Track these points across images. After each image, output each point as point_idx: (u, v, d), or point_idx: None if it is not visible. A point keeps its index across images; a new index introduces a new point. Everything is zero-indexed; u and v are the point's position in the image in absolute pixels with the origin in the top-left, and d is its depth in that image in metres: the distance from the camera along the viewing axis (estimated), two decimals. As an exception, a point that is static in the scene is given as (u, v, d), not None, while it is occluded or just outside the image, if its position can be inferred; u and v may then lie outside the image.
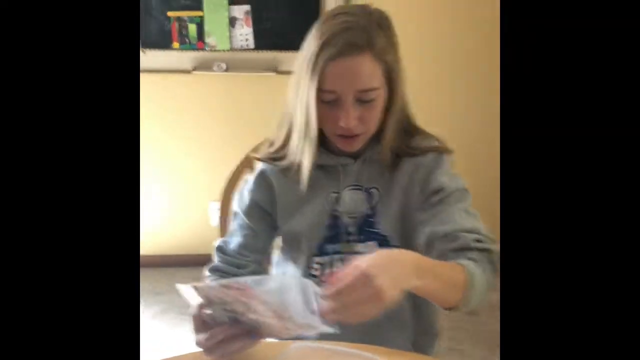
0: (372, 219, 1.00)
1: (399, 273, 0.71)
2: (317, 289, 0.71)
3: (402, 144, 0.99)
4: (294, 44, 2.42)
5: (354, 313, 0.69)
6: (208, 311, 0.75)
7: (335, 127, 0.94)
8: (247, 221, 1.03)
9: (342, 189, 1.00)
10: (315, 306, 0.70)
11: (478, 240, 0.89)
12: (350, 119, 0.91)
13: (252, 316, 0.72)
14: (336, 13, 0.94)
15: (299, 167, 0.99)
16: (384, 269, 0.69)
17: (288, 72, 2.91)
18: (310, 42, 0.92)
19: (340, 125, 0.92)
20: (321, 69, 0.89)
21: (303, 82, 0.92)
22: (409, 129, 1.01)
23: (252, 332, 0.75)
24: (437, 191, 0.96)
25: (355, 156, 1.00)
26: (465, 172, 1.02)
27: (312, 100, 0.91)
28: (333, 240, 1.01)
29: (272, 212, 1.03)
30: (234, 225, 1.05)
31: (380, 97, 0.93)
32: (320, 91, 0.90)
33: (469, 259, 0.86)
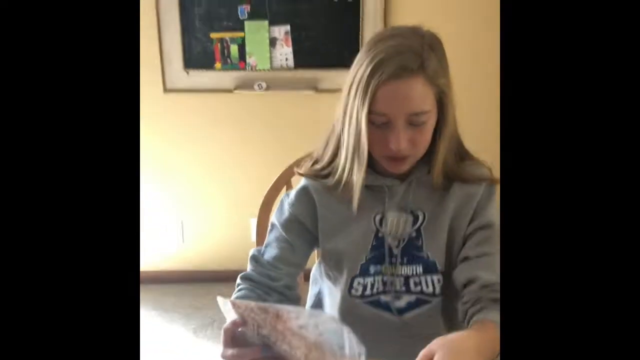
0: (418, 242, 0.99)
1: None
2: (354, 338, 0.71)
3: (453, 167, 0.99)
4: (332, 62, 2.45)
5: None
6: (241, 329, 0.76)
7: (384, 149, 0.93)
8: (284, 234, 1.02)
9: (387, 210, 1.00)
10: (348, 353, 0.70)
11: None
12: (400, 141, 0.91)
13: (284, 347, 0.72)
14: (388, 35, 0.92)
15: (345, 186, 0.98)
16: None
17: (327, 91, 2.89)
18: (361, 64, 0.90)
19: (390, 148, 0.92)
20: (373, 92, 0.88)
21: (353, 104, 0.92)
22: (460, 153, 1.01)
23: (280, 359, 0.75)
24: (486, 227, 0.96)
25: (401, 177, 1.00)
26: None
27: (362, 123, 0.91)
28: (376, 261, 1.00)
29: (312, 228, 1.03)
30: (270, 237, 1.04)
31: (430, 120, 0.93)
32: (370, 113, 0.90)
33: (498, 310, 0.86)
